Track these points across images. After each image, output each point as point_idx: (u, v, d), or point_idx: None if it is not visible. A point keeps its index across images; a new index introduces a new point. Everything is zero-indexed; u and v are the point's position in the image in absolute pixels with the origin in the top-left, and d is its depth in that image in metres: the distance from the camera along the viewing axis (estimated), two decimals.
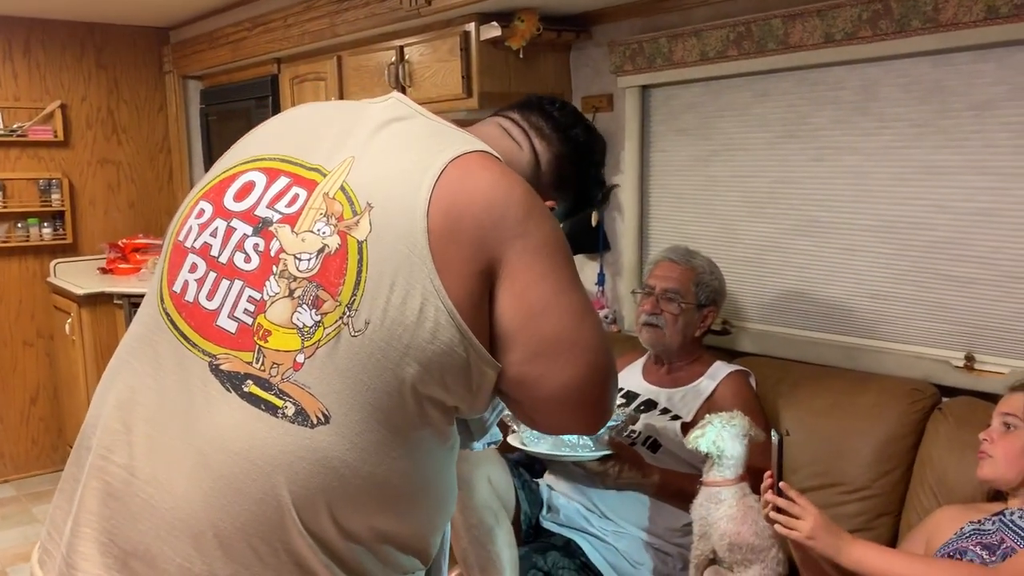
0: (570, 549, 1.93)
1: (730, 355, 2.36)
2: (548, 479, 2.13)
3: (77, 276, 3.99)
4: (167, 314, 1.03)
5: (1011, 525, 1.49)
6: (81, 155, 4.19)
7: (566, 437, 1.89)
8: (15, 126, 3.99)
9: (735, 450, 1.75)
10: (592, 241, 2.82)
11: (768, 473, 1.61)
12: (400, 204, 0.98)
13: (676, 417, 2.09)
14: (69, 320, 3.77)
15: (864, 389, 2.05)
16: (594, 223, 2.78)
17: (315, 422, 0.96)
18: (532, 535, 2.03)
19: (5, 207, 4.00)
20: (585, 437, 1.89)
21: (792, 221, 2.33)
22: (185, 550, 0.95)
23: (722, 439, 1.76)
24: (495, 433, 1.23)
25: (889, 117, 2.08)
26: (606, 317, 2.80)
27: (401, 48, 2.88)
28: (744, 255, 2.45)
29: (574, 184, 1.24)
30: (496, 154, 1.07)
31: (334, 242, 0.98)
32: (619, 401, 2.23)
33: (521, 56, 2.66)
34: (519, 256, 0.99)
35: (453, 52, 2.65)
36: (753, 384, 2.16)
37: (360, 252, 0.97)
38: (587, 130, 1.26)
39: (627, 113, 2.67)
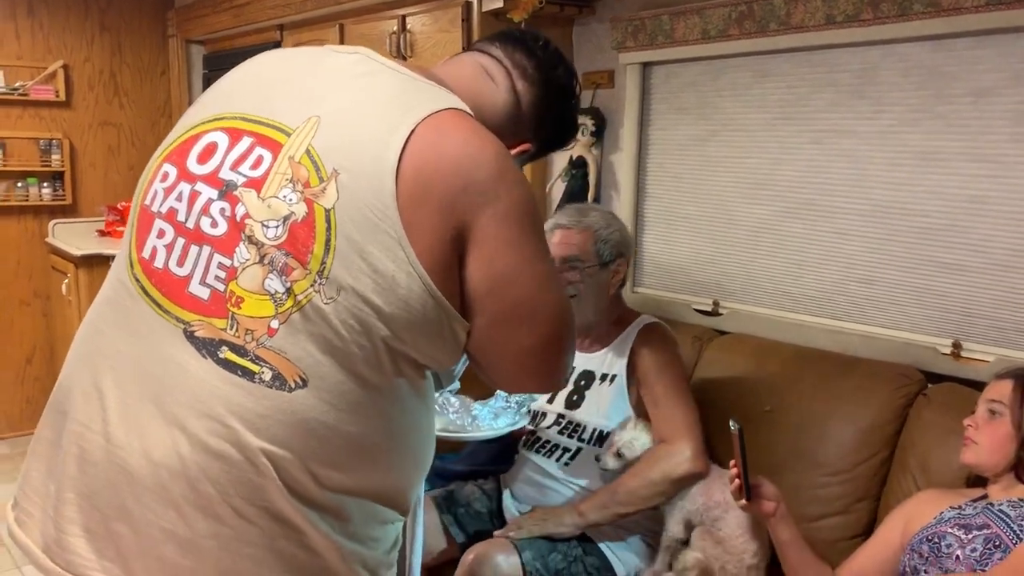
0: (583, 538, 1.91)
1: (719, 335, 2.36)
2: (507, 497, 2.10)
3: (75, 237, 3.99)
4: (137, 280, 1.03)
5: (1001, 515, 1.49)
6: (82, 116, 4.18)
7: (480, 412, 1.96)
8: (17, 84, 3.98)
9: (641, 444, 1.89)
10: None
11: (732, 462, 1.64)
12: (367, 169, 0.97)
13: (613, 378, 2.01)
14: (66, 280, 3.78)
15: (850, 372, 2.05)
16: (589, 200, 2.77)
17: (293, 386, 0.96)
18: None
19: (5, 166, 4.00)
20: (517, 402, 1.98)
21: (787, 203, 2.32)
22: (167, 514, 0.96)
23: (639, 439, 1.89)
24: (456, 382, 1.24)
25: (887, 101, 2.07)
26: None
27: (403, 17, 2.86)
28: (737, 237, 2.45)
29: (552, 126, 1.22)
30: (468, 110, 1.05)
31: (301, 210, 0.97)
32: None
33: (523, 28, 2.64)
34: (488, 222, 0.99)
35: (454, 23, 2.63)
36: (669, 333, 2.06)
37: (328, 220, 0.96)
38: (568, 71, 1.24)
39: (627, 90, 2.66)
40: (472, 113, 1.06)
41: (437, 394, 1.94)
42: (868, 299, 2.17)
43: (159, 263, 1.02)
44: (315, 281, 0.96)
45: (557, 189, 2.90)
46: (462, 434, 1.92)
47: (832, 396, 2.02)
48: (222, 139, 1.04)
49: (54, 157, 4.08)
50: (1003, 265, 1.91)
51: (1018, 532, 1.45)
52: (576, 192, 2.79)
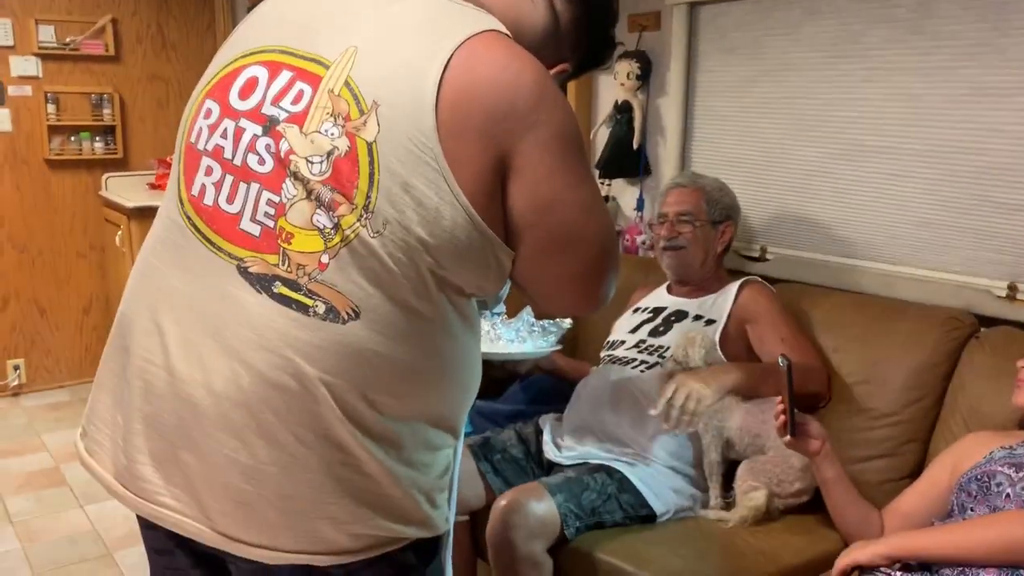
0: (608, 471, 1.93)
1: (769, 281, 2.33)
2: (550, 419, 2.17)
3: (128, 190, 4.07)
4: (188, 218, 1.04)
5: None
6: (131, 71, 4.24)
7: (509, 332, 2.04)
8: (68, 39, 4.04)
9: (698, 355, 1.95)
10: (633, 165, 2.78)
11: (780, 399, 1.63)
12: (407, 100, 0.96)
13: (711, 322, 2.11)
14: (119, 232, 3.87)
15: (901, 317, 2.01)
16: (635, 146, 2.74)
17: (346, 318, 0.97)
18: (547, 473, 2.05)
19: (59, 120, 4.08)
20: (542, 325, 2.08)
21: (839, 145, 2.26)
22: (230, 442, 0.98)
23: (690, 348, 1.95)
24: (501, 305, 1.25)
25: (944, 36, 2.00)
26: (644, 243, 2.77)
27: None
28: (787, 180, 2.40)
29: (590, 45, 1.19)
30: (506, 31, 1.03)
31: (343, 144, 0.96)
32: (646, 317, 2.24)
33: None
34: (530, 149, 0.97)
35: None
36: (773, 291, 2.17)
37: (371, 154, 0.96)
38: None
39: (674, 32, 2.60)
40: (510, 35, 1.04)
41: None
42: (922, 242, 2.12)
43: (208, 200, 1.03)
44: (361, 215, 0.96)
45: (601, 135, 2.87)
46: (504, 352, 1.95)
47: (881, 340, 1.99)
48: (262, 73, 1.03)
49: (105, 112, 4.15)
50: None
51: None
52: (621, 138, 2.76)
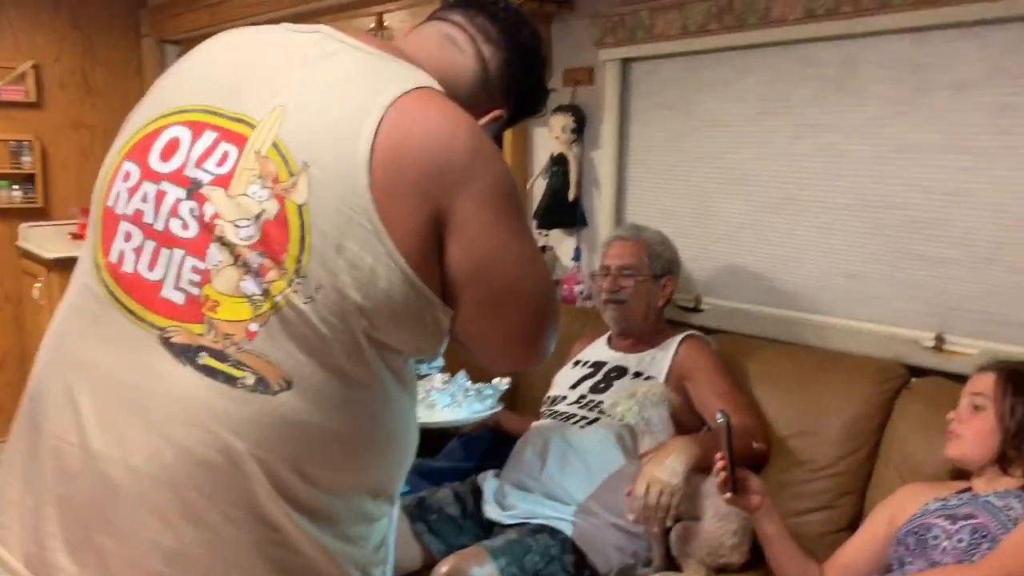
0: (551, 531, 1.89)
1: (703, 332, 2.35)
2: (489, 477, 2.13)
3: (47, 241, 3.91)
4: (106, 286, 0.99)
5: (987, 505, 1.48)
6: (54, 117, 4.12)
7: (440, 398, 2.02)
8: None
9: (660, 415, 1.89)
10: (569, 216, 2.79)
11: (719, 455, 1.62)
12: (339, 160, 0.93)
13: (649, 379, 2.11)
14: (38, 284, 3.71)
15: (834, 367, 2.04)
16: (571, 198, 2.75)
17: (277, 389, 0.93)
18: (487, 532, 2.00)
19: None
20: (477, 388, 2.06)
21: (768, 198, 2.31)
22: (152, 524, 0.92)
23: (645, 408, 1.87)
24: (440, 359, 1.22)
25: (868, 94, 2.07)
26: (581, 292, 2.78)
27: (381, 14, 2.83)
28: (719, 232, 2.44)
29: (522, 90, 1.18)
30: (437, 87, 1.01)
31: (272, 207, 0.93)
32: (586, 371, 2.23)
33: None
34: (466, 205, 0.96)
35: None
36: (714, 347, 2.19)
37: (301, 216, 0.92)
38: (533, 34, 1.20)
39: (607, 87, 2.64)
40: (442, 89, 1.02)
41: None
42: (851, 293, 2.16)
43: (128, 267, 0.98)
44: (292, 280, 0.92)
45: (538, 187, 2.88)
46: (439, 420, 1.92)
47: (816, 391, 2.01)
48: (184, 134, 0.99)
49: (24, 159, 4.01)
50: (985, 258, 1.91)
51: (1005, 522, 1.44)
52: (557, 190, 2.77)
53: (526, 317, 1.04)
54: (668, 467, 1.80)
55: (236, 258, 0.93)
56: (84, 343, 0.99)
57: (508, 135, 2.97)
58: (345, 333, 0.94)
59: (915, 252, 2.03)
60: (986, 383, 1.61)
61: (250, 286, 0.93)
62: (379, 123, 0.93)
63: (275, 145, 0.94)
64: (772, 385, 2.10)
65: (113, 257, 0.99)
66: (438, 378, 2.05)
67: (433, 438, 2.17)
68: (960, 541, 1.47)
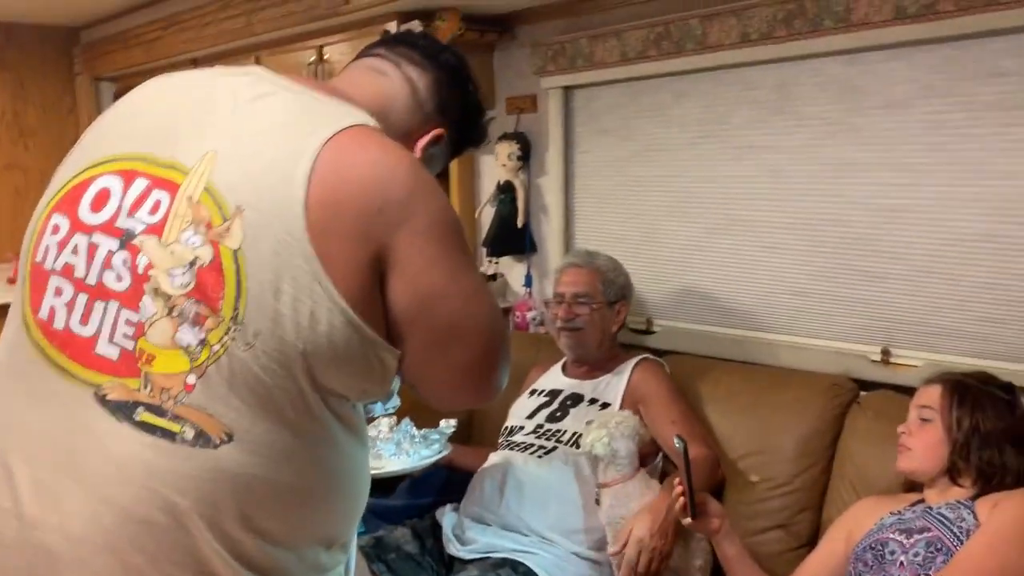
0: (512, 564, 1.87)
1: (655, 354, 2.36)
2: (447, 512, 2.11)
3: None
4: (36, 344, 0.95)
5: (940, 518, 1.50)
6: None
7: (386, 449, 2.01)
8: None
9: (629, 448, 1.86)
10: (518, 242, 2.79)
11: (677, 480, 1.62)
12: (274, 203, 0.91)
13: (605, 405, 2.12)
14: None
15: (785, 385, 2.07)
16: (520, 224, 2.76)
17: (218, 442, 0.90)
18: (447, 568, 1.98)
19: None
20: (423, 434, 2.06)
21: (712, 220, 2.34)
22: None
23: (615, 440, 1.85)
24: (396, 399, 1.19)
25: (804, 116, 2.11)
26: (534, 319, 2.77)
27: (320, 48, 2.81)
28: (666, 254, 2.46)
29: (457, 108, 1.17)
30: (373, 123, 1.00)
31: (206, 253, 0.90)
32: (542, 400, 2.22)
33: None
34: (407, 241, 0.94)
35: None
36: (667, 371, 2.20)
37: (237, 262, 0.90)
38: (454, 54, 1.20)
39: (550, 114, 2.66)
40: (377, 124, 1.01)
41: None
42: (798, 311, 2.19)
43: (59, 324, 0.94)
44: (229, 328, 0.90)
45: (486, 215, 2.88)
46: (386, 470, 1.91)
47: (769, 409, 2.03)
48: (115, 183, 0.96)
49: None
50: (924, 271, 1.96)
51: (958, 534, 1.47)
52: (506, 217, 2.77)
53: (475, 353, 1.02)
54: (652, 522, 1.76)
55: (171, 308, 0.91)
56: (16, 403, 0.96)
57: (454, 164, 2.97)
58: (287, 380, 0.92)
59: (857, 268, 2.07)
60: (932, 396, 1.64)
61: (187, 336, 0.90)
62: (314, 163, 0.92)
63: (207, 190, 0.92)
64: (725, 405, 2.11)
65: (43, 314, 0.96)
66: (384, 426, 2.03)
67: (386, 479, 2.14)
68: (916, 555, 1.48)
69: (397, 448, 2.03)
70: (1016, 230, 1.82)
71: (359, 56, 1.18)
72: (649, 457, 1.99)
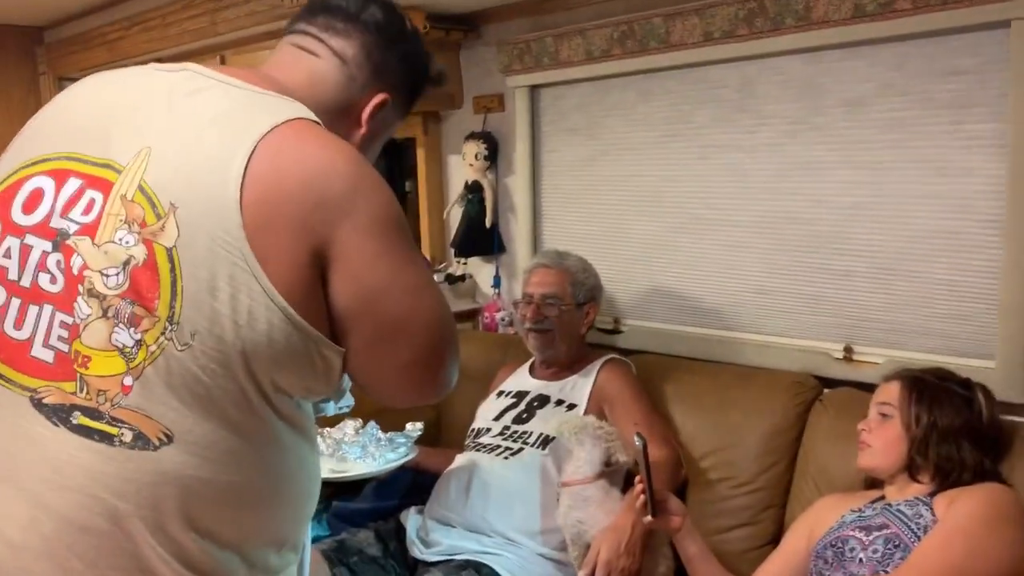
0: (476, 566, 1.86)
1: (622, 353, 2.35)
2: (412, 514, 2.10)
3: None
4: None
5: (899, 515, 1.51)
6: None
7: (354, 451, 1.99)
8: None
9: (593, 451, 1.83)
10: (487, 243, 2.78)
11: (638, 478, 1.62)
12: (208, 199, 0.89)
13: (572, 406, 2.11)
14: None
15: (749, 383, 2.07)
16: (488, 224, 2.75)
17: (157, 444, 0.89)
18: (411, 571, 1.97)
19: None
20: (388, 437, 2.04)
21: (677, 219, 2.34)
22: None
23: (583, 434, 1.84)
24: (349, 397, 1.17)
25: (767, 114, 2.12)
26: (503, 319, 2.76)
27: None
28: (633, 254, 2.46)
29: (395, 66, 1.12)
30: (310, 116, 0.98)
31: (140, 252, 0.89)
32: (509, 402, 2.21)
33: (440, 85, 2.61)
34: (348, 236, 0.92)
35: None
36: (633, 371, 2.19)
37: (171, 260, 0.88)
38: (383, 7, 1.13)
39: (517, 113, 2.65)
40: (314, 117, 0.98)
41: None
42: (762, 308, 2.20)
43: None
44: (166, 328, 0.88)
45: (455, 215, 2.86)
46: (352, 473, 1.88)
47: (733, 408, 2.04)
48: (48, 183, 0.94)
49: None
50: (886, 268, 1.97)
51: (915, 530, 1.47)
52: (474, 217, 2.76)
53: (421, 350, 1.00)
54: (626, 549, 1.73)
55: (106, 309, 0.89)
56: None
57: (421, 164, 2.96)
58: (227, 380, 0.90)
59: (820, 266, 2.07)
60: (891, 392, 1.65)
61: (123, 337, 0.89)
62: (249, 158, 0.90)
63: (141, 188, 0.91)
64: (690, 404, 2.11)
65: None
66: (349, 429, 2.01)
67: (352, 481, 2.12)
68: (875, 551, 1.49)
69: (363, 451, 2.01)
70: (973, 227, 1.83)
71: (285, 33, 1.13)
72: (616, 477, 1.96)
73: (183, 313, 0.88)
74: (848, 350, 2.03)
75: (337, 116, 1.07)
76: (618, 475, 1.88)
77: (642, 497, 1.63)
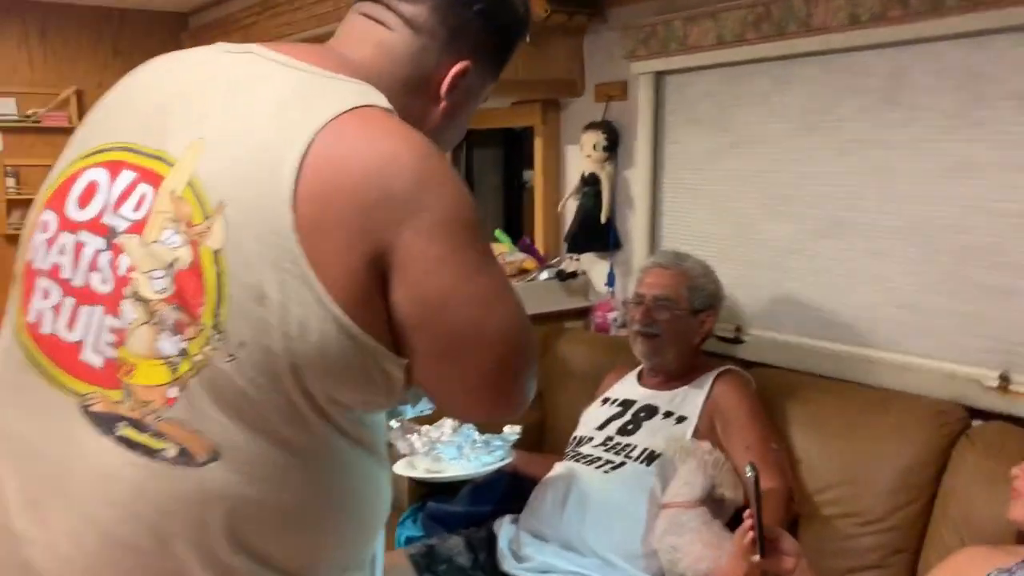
0: None
1: (743, 365, 2.17)
2: (506, 523, 1.99)
3: None
4: (25, 349, 0.89)
5: None
6: None
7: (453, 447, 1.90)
8: (30, 112, 3.95)
9: (699, 476, 1.72)
10: (602, 238, 2.65)
11: (748, 512, 1.45)
12: (258, 197, 0.81)
13: (681, 419, 1.96)
14: None
15: (885, 409, 1.85)
16: (603, 220, 2.61)
17: (203, 460, 0.83)
18: None
19: (19, 194, 3.97)
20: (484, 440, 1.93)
21: (812, 221, 2.13)
22: None
23: (691, 459, 1.73)
24: (427, 401, 1.07)
25: (920, 107, 1.88)
26: (615, 320, 2.62)
27: None
28: (761, 257, 2.26)
29: (476, 28, 0.98)
30: (379, 102, 0.87)
31: (186, 255, 0.82)
32: (615, 411, 2.08)
33: (529, 40, 2.49)
34: (412, 240, 0.81)
35: None
36: (752, 386, 2.01)
37: (218, 264, 0.81)
38: None
39: (640, 102, 2.49)
40: (385, 102, 0.88)
41: (397, 426, 1.85)
42: (905, 325, 1.96)
43: (46, 328, 0.88)
44: (211, 337, 0.81)
45: (570, 208, 2.74)
46: (445, 474, 1.82)
47: (865, 435, 1.83)
48: (102, 176, 0.88)
49: None
50: None
51: None
52: (589, 211, 2.63)
53: (491, 365, 0.89)
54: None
55: (152, 315, 0.83)
56: (7, 412, 0.90)
57: (538, 154, 2.85)
58: (277, 394, 0.82)
59: (977, 281, 1.82)
60: None
61: (167, 346, 0.82)
62: (305, 152, 0.81)
63: (190, 184, 0.83)
64: (816, 428, 1.91)
65: (31, 317, 0.90)
66: (447, 428, 1.93)
67: (447, 483, 2.05)
68: None
69: (458, 452, 1.93)
70: None
71: (351, 5, 1.02)
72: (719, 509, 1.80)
73: (229, 322, 0.81)
74: (1004, 379, 1.77)
75: (413, 92, 0.96)
76: (722, 508, 1.72)
77: (751, 534, 1.47)
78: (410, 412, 1.18)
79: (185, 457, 0.82)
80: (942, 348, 1.89)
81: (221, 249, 0.81)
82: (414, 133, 0.86)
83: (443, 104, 0.98)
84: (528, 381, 0.94)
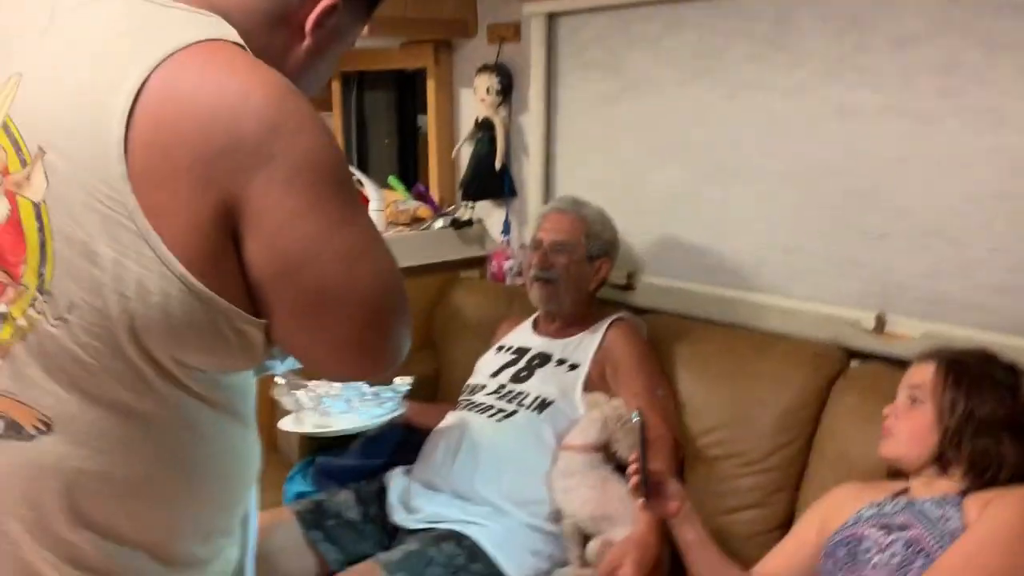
0: (457, 537, 1.73)
1: (635, 312, 2.18)
2: (397, 475, 1.96)
3: None
4: None
5: (922, 515, 1.34)
6: None
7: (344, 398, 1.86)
8: None
9: (599, 425, 1.76)
10: (497, 186, 2.60)
11: (633, 456, 1.46)
12: (85, 143, 0.72)
13: (574, 367, 1.96)
14: None
15: (768, 352, 1.89)
16: (498, 166, 2.55)
17: (33, 433, 0.76)
18: (390, 537, 1.85)
19: None
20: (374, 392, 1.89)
21: (703, 167, 2.13)
22: None
23: (600, 409, 1.75)
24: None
25: (805, 52, 1.88)
26: (511, 269, 2.59)
27: None
28: (651, 203, 2.26)
29: None
30: (227, 35, 0.77)
31: (2, 207, 0.73)
32: (509, 358, 2.06)
33: None
34: (264, 190, 0.73)
35: None
36: (644, 333, 2.03)
37: (39, 218, 0.72)
38: None
39: (532, 44, 2.43)
40: (234, 35, 0.78)
41: (283, 382, 1.78)
42: (788, 269, 1.99)
43: None
44: (35, 299, 0.73)
45: (464, 154, 2.68)
46: (333, 428, 1.78)
47: (748, 378, 1.87)
48: None
49: None
50: (930, 231, 1.75)
51: (941, 536, 1.29)
52: (483, 157, 2.57)
53: (358, 325, 0.82)
54: (648, 564, 1.60)
55: None
56: None
57: (431, 97, 2.76)
58: (115, 360, 0.75)
59: (855, 225, 1.86)
60: (925, 374, 1.46)
61: None
62: (138, 92, 0.72)
63: (5, 127, 0.74)
64: (703, 372, 1.94)
65: None
66: (336, 383, 1.87)
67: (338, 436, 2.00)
68: (893, 556, 1.32)
69: (347, 406, 1.88)
70: None
71: None
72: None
73: (55, 282, 0.73)
74: (880, 320, 1.82)
75: (273, 26, 0.85)
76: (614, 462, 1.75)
77: (635, 478, 1.48)
78: (280, 368, 1.11)
79: (13, 430, 0.76)
80: (822, 291, 1.94)
81: (43, 201, 0.73)
82: (269, 71, 0.77)
83: (307, 42, 0.88)
84: (401, 339, 0.87)
